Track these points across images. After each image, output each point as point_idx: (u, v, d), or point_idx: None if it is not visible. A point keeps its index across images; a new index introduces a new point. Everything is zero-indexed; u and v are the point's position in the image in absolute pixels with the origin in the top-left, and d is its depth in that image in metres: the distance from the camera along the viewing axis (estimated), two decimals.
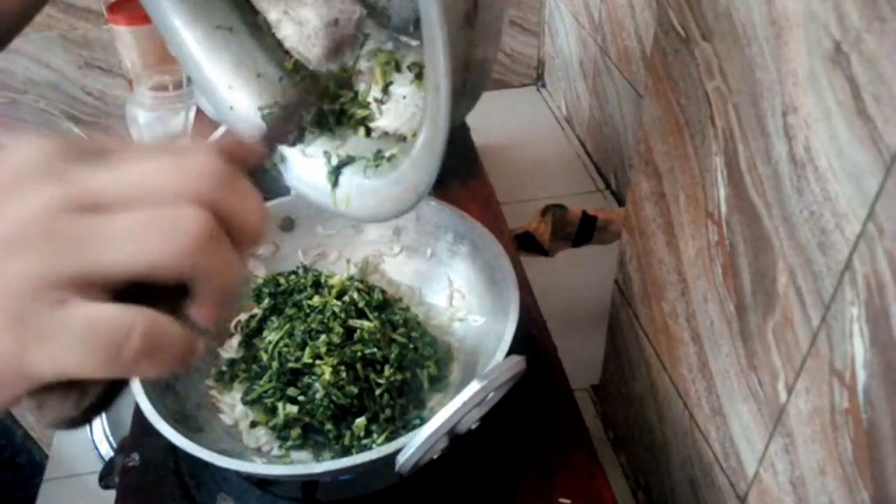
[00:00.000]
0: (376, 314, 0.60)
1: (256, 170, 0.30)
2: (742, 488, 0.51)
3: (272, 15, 0.52)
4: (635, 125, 0.89)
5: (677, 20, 0.50)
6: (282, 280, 0.65)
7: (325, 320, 0.59)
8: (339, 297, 0.61)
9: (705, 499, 0.58)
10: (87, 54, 1.32)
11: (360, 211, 0.48)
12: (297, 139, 0.50)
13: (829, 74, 0.35)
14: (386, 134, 0.48)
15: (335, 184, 0.45)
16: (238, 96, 0.53)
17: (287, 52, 0.53)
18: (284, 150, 0.52)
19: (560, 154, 1.22)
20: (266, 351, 0.59)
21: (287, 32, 0.52)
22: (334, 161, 0.49)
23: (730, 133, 0.45)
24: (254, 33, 0.53)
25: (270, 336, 0.60)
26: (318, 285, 0.64)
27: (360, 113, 0.49)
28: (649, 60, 0.56)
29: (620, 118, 1.04)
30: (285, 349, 0.58)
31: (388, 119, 0.48)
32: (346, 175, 0.48)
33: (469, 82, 0.38)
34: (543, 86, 1.41)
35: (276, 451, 0.56)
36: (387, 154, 0.46)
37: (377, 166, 0.46)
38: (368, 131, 0.49)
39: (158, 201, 0.24)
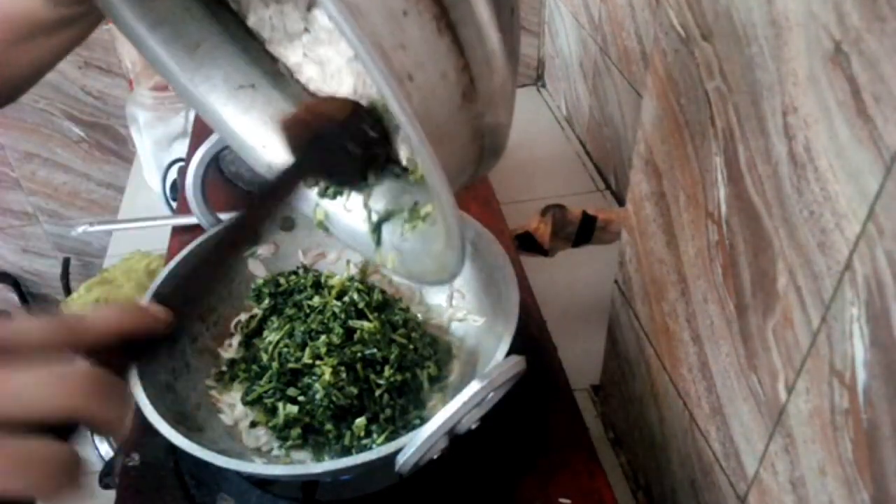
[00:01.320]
0: (376, 315, 0.60)
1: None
2: (742, 488, 0.51)
3: (292, 59, 0.50)
4: (635, 125, 0.89)
5: (677, 20, 0.50)
6: (282, 280, 0.65)
7: (325, 321, 0.59)
8: (339, 297, 0.61)
9: (705, 499, 0.58)
10: (87, 54, 1.32)
11: (402, 271, 0.47)
12: (325, 191, 0.50)
13: (829, 74, 0.35)
14: (405, 169, 0.47)
15: (378, 242, 0.44)
16: (273, 154, 0.52)
17: (313, 97, 0.51)
18: (327, 205, 0.51)
19: (560, 154, 1.22)
20: (266, 351, 0.59)
21: (310, 75, 0.50)
22: (374, 217, 0.47)
23: (730, 133, 0.45)
24: (277, 84, 0.51)
25: (270, 336, 0.60)
26: (318, 286, 0.64)
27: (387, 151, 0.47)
28: (649, 60, 0.56)
29: (620, 118, 1.04)
30: (285, 349, 0.58)
31: (408, 150, 0.47)
32: (387, 232, 0.47)
33: (486, 147, 0.38)
34: (543, 86, 1.41)
35: (276, 451, 0.56)
36: (422, 211, 0.45)
37: (414, 227, 0.46)
38: (396, 170, 0.47)
39: (36, 419, 0.28)
